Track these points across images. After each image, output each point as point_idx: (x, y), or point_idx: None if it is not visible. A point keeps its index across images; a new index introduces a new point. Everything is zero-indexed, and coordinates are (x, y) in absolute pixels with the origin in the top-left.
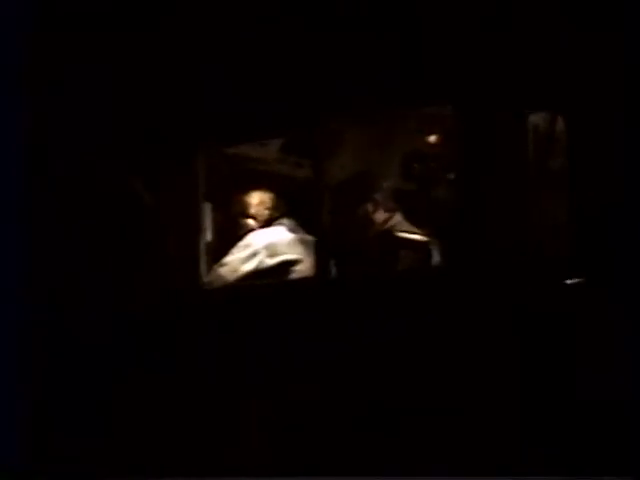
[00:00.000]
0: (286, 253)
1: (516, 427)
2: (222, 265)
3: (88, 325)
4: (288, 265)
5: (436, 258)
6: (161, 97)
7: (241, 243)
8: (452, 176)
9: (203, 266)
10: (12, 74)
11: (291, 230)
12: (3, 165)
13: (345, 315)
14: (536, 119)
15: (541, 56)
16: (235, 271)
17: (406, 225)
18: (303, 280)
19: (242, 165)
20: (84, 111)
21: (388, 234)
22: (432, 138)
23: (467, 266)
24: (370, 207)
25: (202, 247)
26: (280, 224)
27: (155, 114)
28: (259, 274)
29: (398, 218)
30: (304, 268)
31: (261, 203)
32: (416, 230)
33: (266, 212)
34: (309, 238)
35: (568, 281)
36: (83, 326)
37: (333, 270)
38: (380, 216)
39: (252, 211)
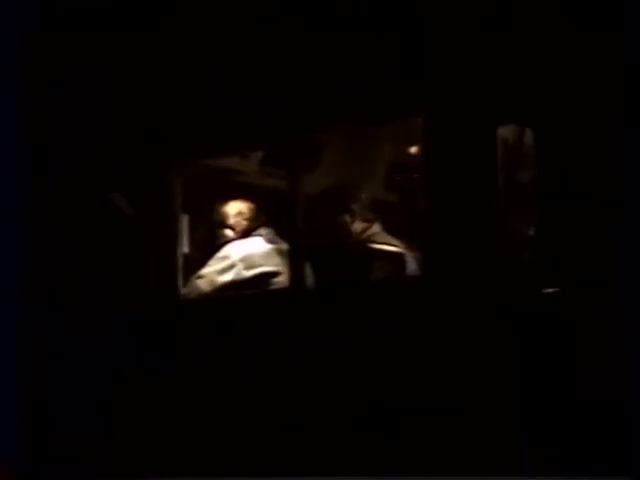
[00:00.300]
0: (263, 265)
1: (516, 427)
2: (199, 277)
3: (88, 325)
4: (266, 277)
5: (412, 268)
6: (161, 97)
7: (218, 255)
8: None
9: (180, 278)
10: (12, 74)
11: (269, 240)
12: (3, 165)
13: (320, 324)
14: (505, 132)
15: (541, 56)
16: (212, 283)
17: (384, 235)
18: (278, 291)
19: (223, 177)
20: (84, 111)
21: (363, 245)
22: (415, 149)
23: (439, 276)
24: (348, 218)
25: (179, 259)
26: (258, 235)
27: (155, 114)
28: (236, 286)
29: (376, 229)
30: (282, 279)
31: (239, 214)
32: (393, 241)
33: (244, 222)
34: (287, 248)
35: (545, 290)
36: (83, 326)
37: (310, 280)
38: (358, 226)
39: (230, 221)
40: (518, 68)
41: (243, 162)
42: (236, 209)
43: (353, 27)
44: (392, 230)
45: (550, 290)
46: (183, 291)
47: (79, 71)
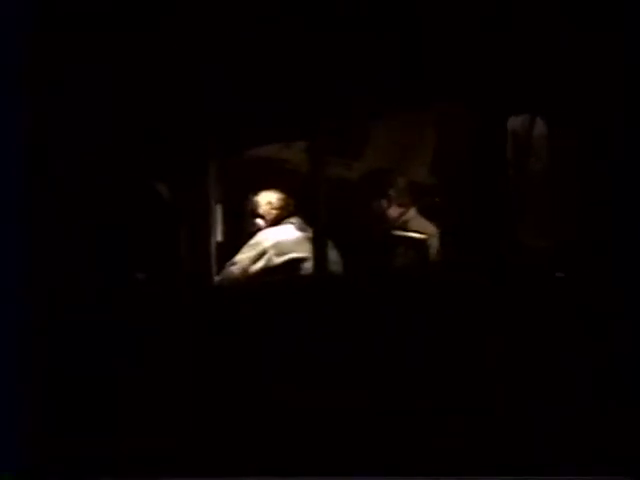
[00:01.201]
0: (293, 251)
1: (516, 427)
2: (232, 264)
3: (88, 325)
4: (296, 263)
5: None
6: (161, 97)
7: (250, 242)
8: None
9: (214, 265)
10: (12, 74)
11: (300, 229)
12: (3, 165)
13: (344, 312)
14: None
15: (541, 56)
16: (244, 269)
17: (419, 220)
18: (303, 277)
19: (266, 166)
20: (84, 111)
21: (387, 232)
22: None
23: (457, 264)
24: (384, 203)
25: (213, 247)
26: (289, 222)
27: (155, 114)
28: (267, 272)
29: (412, 213)
30: (309, 266)
31: (269, 203)
32: (429, 225)
33: (274, 212)
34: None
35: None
36: (83, 326)
37: (338, 267)
38: (394, 212)
39: (260, 211)
40: (518, 68)
41: (285, 150)
42: (266, 199)
43: (353, 27)
44: (429, 214)
45: (562, 275)
46: (217, 278)
47: (79, 71)
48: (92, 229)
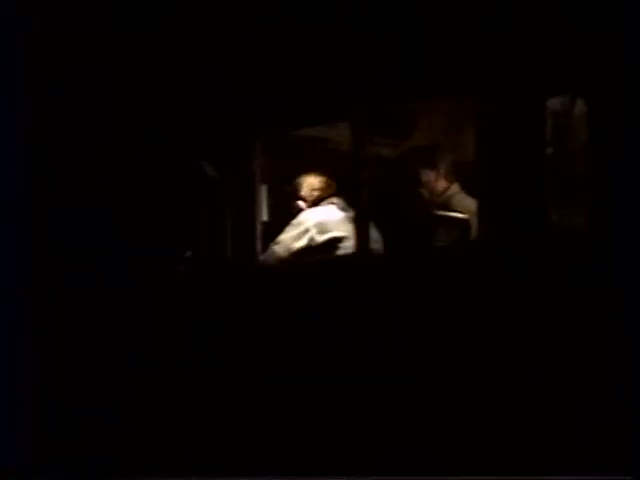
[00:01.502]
0: (335, 230)
1: (515, 427)
2: (276, 243)
3: (88, 324)
4: (337, 242)
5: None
6: (161, 97)
7: (293, 222)
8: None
9: (259, 244)
10: (12, 74)
11: (342, 209)
12: (3, 165)
13: (385, 291)
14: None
15: (541, 56)
16: (288, 248)
17: (463, 196)
18: (344, 257)
19: (310, 146)
20: (84, 111)
21: (429, 211)
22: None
23: (491, 244)
24: (432, 175)
25: (258, 226)
26: (331, 203)
27: (155, 114)
28: (310, 250)
29: (456, 188)
30: (350, 244)
31: (309, 185)
32: (471, 202)
33: (315, 193)
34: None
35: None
36: (83, 325)
37: (379, 246)
38: (440, 185)
39: (302, 193)
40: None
41: (331, 130)
42: (307, 181)
43: (353, 27)
44: (471, 192)
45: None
46: (261, 257)
47: (79, 71)
48: (92, 228)
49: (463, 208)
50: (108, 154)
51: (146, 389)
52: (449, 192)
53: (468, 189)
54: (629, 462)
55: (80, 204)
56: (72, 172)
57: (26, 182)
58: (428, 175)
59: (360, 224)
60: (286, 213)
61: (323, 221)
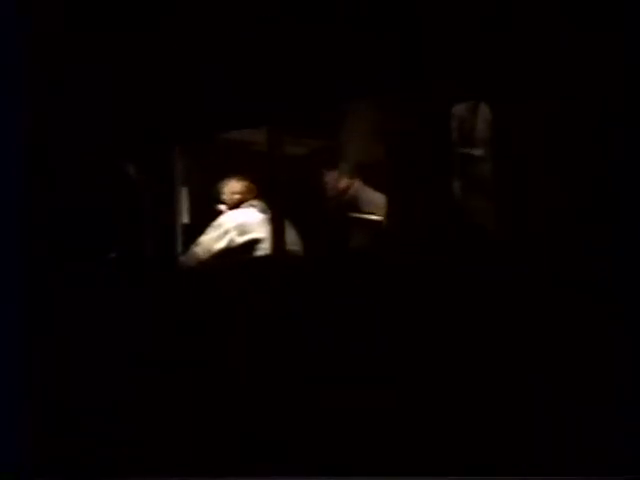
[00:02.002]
0: (255, 232)
1: (515, 427)
2: (196, 244)
3: (88, 324)
4: (256, 243)
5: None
6: (161, 97)
7: (214, 223)
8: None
9: (179, 246)
10: (12, 74)
11: (262, 211)
12: (3, 165)
13: (300, 291)
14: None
15: (541, 56)
16: (208, 249)
17: (368, 190)
18: (261, 257)
19: (232, 149)
20: (84, 111)
21: (343, 213)
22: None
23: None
24: (335, 174)
25: (179, 228)
26: (251, 205)
27: (155, 114)
28: (230, 252)
29: (358, 184)
30: (268, 246)
31: (230, 189)
32: (378, 195)
33: (235, 197)
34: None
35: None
36: (83, 325)
37: (296, 247)
38: (343, 183)
39: (223, 196)
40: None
41: (252, 133)
42: (228, 185)
43: (353, 27)
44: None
45: None
46: (182, 259)
47: (79, 71)
48: (91, 228)
49: (371, 202)
50: (108, 154)
51: (146, 389)
52: (353, 189)
53: (371, 184)
54: (629, 462)
55: (80, 204)
56: (72, 172)
57: (26, 182)
58: (329, 175)
59: (276, 225)
60: (207, 216)
61: (243, 223)
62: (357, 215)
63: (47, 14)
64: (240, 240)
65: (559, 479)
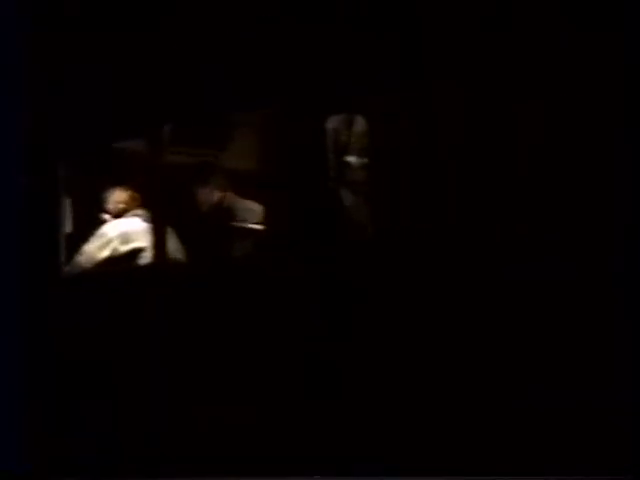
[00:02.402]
0: (138, 241)
1: (515, 427)
2: (80, 254)
3: (88, 324)
4: (139, 252)
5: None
6: (161, 97)
7: (97, 233)
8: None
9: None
10: (12, 74)
11: (146, 220)
12: (3, 165)
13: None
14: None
15: (541, 56)
16: (92, 258)
17: (242, 200)
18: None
19: (117, 158)
20: (84, 111)
21: (222, 222)
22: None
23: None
24: (207, 189)
25: (62, 238)
26: (135, 215)
27: (155, 113)
28: (113, 260)
29: (231, 195)
30: (150, 255)
31: (114, 198)
32: (252, 203)
33: (119, 206)
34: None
35: None
36: (83, 325)
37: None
38: (216, 195)
39: (107, 206)
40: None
41: (136, 142)
42: (113, 194)
43: (353, 27)
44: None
45: None
46: (66, 268)
47: (79, 71)
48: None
49: (246, 210)
50: (108, 154)
51: (146, 389)
52: (226, 200)
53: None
54: (629, 462)
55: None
56: (72, 172)
57: (26, 182)
58: (204, 190)
59: (157, 234)
60: (90, 225)
61: (126, 232)
62: (235, 224)
63: (47, 14)
64: (123, 249)
65: (560, 479)
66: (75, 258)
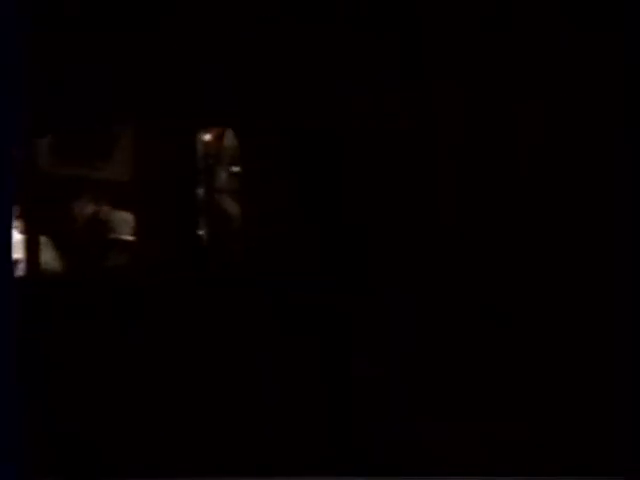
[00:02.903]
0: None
1: (515, 427)
2: None
3: (88, 324)
4: (16, 263)
5: None
6: (161, 97)
7: None
8: None
9: None
10: (12, 74)
11: (22, 232)
12: (3, 165)
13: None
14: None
15: (541, 56)
16: None
17: (116, 212)
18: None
19: None
20: (84, 111)
21: (98, 235)
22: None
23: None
24: (81, 204)
25: None
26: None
27: (155, 113)
28: None
29: (106, 208)
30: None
31: None
32: (126, 214)
33: None
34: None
35: None
36: (83, 325)
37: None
38: (89, 209)
39: None
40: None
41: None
42: None
43: (353, 27)
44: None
45: None
46: None
47: (79, 71)
48: (91, 228)
49: (122, 220)
50: (108, 154)
51: (146, 389)
52: (102, 212)
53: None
54: (628, 462)
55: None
56: (72, 172)
57: (26, 182)
58: (77, 205)
59: (31, 246)
60: None
61: None
62: (110, 236)
63: (47, 14)
64: None
65: (559, 479)
66: None
